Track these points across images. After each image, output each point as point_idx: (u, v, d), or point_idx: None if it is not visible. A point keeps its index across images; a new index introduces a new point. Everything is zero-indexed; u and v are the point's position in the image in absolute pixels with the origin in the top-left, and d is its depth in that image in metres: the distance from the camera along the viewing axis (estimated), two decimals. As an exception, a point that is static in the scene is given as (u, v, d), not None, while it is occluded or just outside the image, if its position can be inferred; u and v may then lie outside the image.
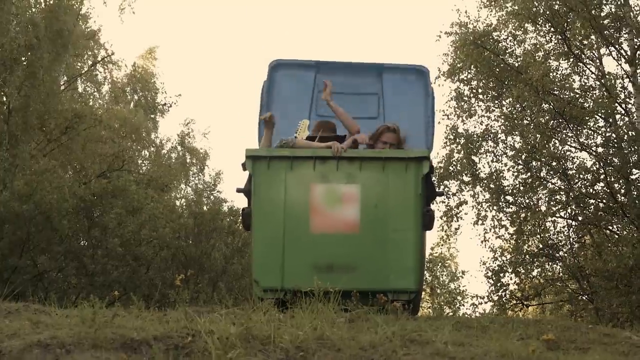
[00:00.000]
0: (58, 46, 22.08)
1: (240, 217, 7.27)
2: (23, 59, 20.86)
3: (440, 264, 39.24)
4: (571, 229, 21.19)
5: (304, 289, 5.96)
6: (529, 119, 21.00)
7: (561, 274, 21.80)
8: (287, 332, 4.38)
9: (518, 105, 21.29)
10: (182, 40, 63.00)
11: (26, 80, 20.92)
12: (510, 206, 21.61)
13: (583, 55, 20.99)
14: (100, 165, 24.49)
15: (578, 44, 20.63)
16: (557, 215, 21.00)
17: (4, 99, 20.99)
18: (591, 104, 20.03)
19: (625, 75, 20.39)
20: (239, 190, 7.18)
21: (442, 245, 37.38)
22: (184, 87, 60.64)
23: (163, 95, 33.71)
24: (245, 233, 21.49)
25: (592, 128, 20.60)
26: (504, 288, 21.36)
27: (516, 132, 21.20)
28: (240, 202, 39.54)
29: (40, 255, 19.63)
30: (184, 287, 5.72)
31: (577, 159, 20.79)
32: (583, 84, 20.92)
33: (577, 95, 20.36)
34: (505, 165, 21.70)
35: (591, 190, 20.30)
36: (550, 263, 21.82)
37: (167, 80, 62.20)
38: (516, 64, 21.35)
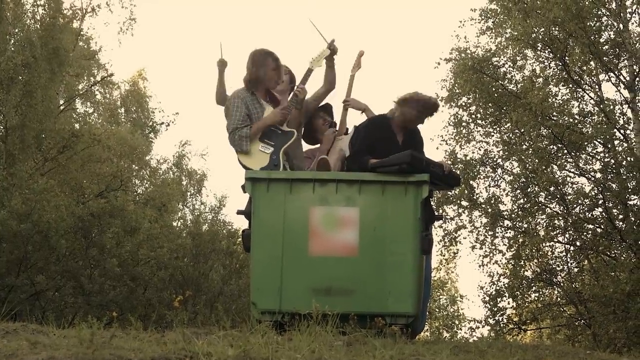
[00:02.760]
0: (54, 65, 22.09)
1: (241, 239, 7.28)
2: (20, 77, 20.85)
3: (439, 287, 39.19)
4: (569, 254, 21.21)
5: (302, 311, 5.97)
6: (527, 144, 21.04)
7: (559, 299, 21.80)
8: (285, 355, 4.37)
9: (517, 131, 21.33)
10: (178, 61, 63.20)
11: (23, 99, 20.91)
12: (508, 231, 21.63)
13: (582, 81, 21.05)
14: (98, 185, 24.47)
15: (577, 69, 20.69)
16: (555, 240, 21.03)
17: (1, 117, 20.99)
18: (590, 129, 20.08)
19: (624, 101, 20.46)
20: (239, 212, 7.18)
21: (440, 269, 37.39)
22: (180, 107, 60.83)
23: (161, 114, 33.75)
24: (243, 254, 21.51)
25: (591, 153, 20.65)
26: (501, 312, 21.34)
27: (515, 157, 21.25)
28: (242, 223, 39.44)
29: (37, 274, 19.57)
30: (181, 308, 5.71)
31: (576, 184, 20.85)
32: (582, 109, 20.98)
33: (576, 121, 20.40)
34: (504, 190, 21.76)
35: (589, 215, 20.34)
36: (548, 288, 21.81)
37: (164, 101, 62.31)
38: (515, 89, 21.41)
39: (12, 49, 21.00)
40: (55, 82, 22.93)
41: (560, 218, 20.66)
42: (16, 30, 21.51)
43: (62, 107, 26.12)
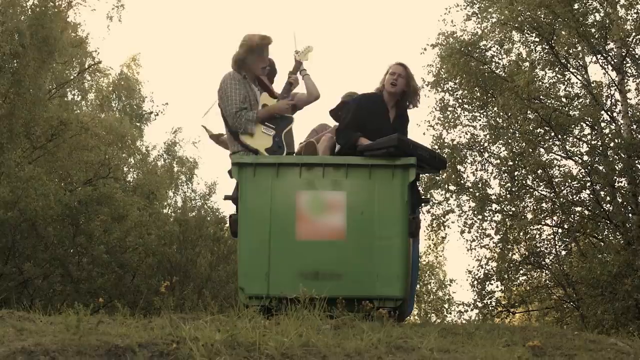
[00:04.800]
0: (44, 53, 21.99)
1: (228, 224, 7.27)
2: (8, 66, 20.76)
3: (428, 272, 39.26)
4: (557, 236, 21.26)
5: (289, 296, 5.96)
6: (514, 127, 21.06)
7: (547, 282, 21.87)
8: (273, 339, 4.37)
9: (503, 114, 21.34)
10: (172, 48, 62.99)
11: (12, 88, 20.83)
12: (496, 214, 21.68)
13: (569, 64, 21.04)
14: (86, 173, 24.42)
15: (564, 52, 20.68)
16: (543, 222, 21.07)
17: (-11, 106, 20.93)
18: (577, 112, 20.10)
19: (611, 83, 20.46)
20: (226, 198, 7.18)
21: (429, 253, 37.44)
22: (174, 94, 60.45)
23: (151, 103, 33.70)
24: (230, 240, 21.52)
25: (578, 136, 20.67)
26: (490, 296, 21.41)
27: (502, 141, 21.27)
28: (229, 210, 39.30)
29: (25, 262, 19.57)
30: (169, 294, 5.70)
31: (563, 166, 20.88)
32: (568, 92, 20.99)
33: (563, 104, 20.41)
34: (491, 174, 21.79)
35: (577, 198, 20.37)
36: (536, 270, 21.88)
37: (155, 89, 61.99)
38: (502, 73, 21.42)
39: (3, 37, 20.89)
40: (45, 70, 22.85)
41: (548, 201, 20.69)
42: (0, 19, 21.36)
43: (50, 95, 26.00)
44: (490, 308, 21.32)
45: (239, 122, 7.36)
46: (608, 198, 19.88)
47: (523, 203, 21.26)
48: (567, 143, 20.63)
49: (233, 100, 7.44)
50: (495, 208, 21.67)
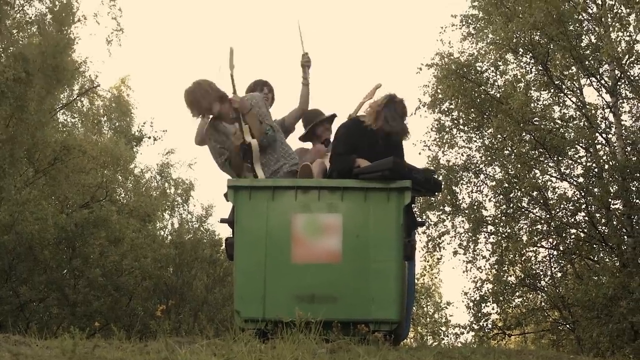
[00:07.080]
0: (52, 81, 22.00)
1: (224, 247, 7.27)
2: (11, 92, 20.72)
3: (425, 294, 39.10)
4: (552, 258, 21.24)
5: (285, 319, 5.97)
6: (509, 149, 21.08)
7: (543, 304, 21.84)
8: (268, 363, 4.37)
9: (499, 136, 21.35)
10: (165, 70, 63.02)
11: (14, 113, 20.80)
12: (491, 236, 21.66)
13: (563, 86, 21.09)
14: (83, 196, 24.39)
15: (558, 74, 20.73)
16: (539, 245, 21.06)
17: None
18: (572, 134, 20.13)
19: (605, 106, 20.52)
20: (222, 221, 7.20)
21: (424, 275, 37.31)
22: (167, 116, 60.33)
23: (150, 128, 33.62)
24: (226, 263, 21.51)
25: (573, 158, 20.69)
26: (486, 318, 21.36)
27: (497, 163, 21.30)
28: (225, 232, 39.21)
29: (21, 285, 19.54)
30: (165, 318, 5.71)
31: (558, 188, 20.90)
32: (563, 114, 21.02)
33: (558, 125, 20.44)
34: (486, 195, 21.80)
35: (572, 220, 20.38)
36: (531, 293, 21.85)
37: (148, 111, 61.89)
38: (497, 95, 21.44)
39: (7, 62, 20.86)
40: (52, 97, 22.86)
41: (543, 223, 20.69)
42: (4, 44, 21.35)
43: (51, 116, 26.01)
44: (486, 330, 21.28)
45: (229, 172, 7.50)
46: (603, 220, 19.88)
47: (518, 225, 21.27)
48: (562, 165, 20.64)
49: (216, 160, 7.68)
50: (491, 230, 21.67)
